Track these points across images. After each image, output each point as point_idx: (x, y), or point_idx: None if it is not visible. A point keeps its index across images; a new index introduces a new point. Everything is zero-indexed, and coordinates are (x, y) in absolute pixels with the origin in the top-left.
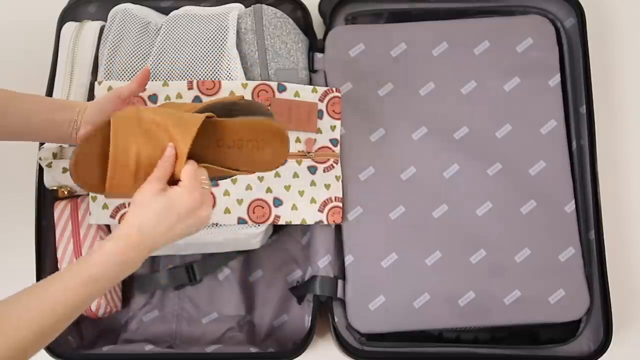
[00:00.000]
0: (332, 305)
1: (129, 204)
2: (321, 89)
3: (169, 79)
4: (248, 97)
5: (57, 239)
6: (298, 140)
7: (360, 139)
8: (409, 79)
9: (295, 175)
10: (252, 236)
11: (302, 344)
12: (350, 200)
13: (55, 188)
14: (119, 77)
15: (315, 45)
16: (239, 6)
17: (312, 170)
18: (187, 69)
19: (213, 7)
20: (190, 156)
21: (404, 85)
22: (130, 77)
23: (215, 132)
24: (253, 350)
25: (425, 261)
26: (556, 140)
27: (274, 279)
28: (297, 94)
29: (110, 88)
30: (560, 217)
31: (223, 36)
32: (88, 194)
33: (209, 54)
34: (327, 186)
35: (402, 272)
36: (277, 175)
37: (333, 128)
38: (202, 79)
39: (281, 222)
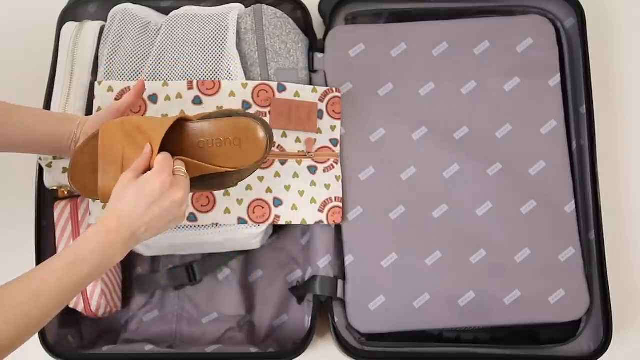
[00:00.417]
0: (332, 305)
1: None
2: (321, 89)
3: (169, 79)
4: (248, 97)
5: (57, 238)
6: (298, 140)
7: (360, 139)
8: (409, 79)
9: (295, 175)
10: (252, 236)
11: (302, 344)
12: (350, 200)
13: (55, 188)
14: (119, 77)
15: (315, 45)
16: (239, 6)
17: (312, 170)
18: (187, 69)
19: (213, 7)
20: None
21: (404, 85)
22: (130, 77)
23: (195, 134)
24: (253, 350)
25: (425, 261)
26: (556, 140)
27: (274, 279)
28: (297, 94)
29: (110, 88)
30: (560, 217)
31: (223, 36)
32: None
33: (209, 54)
34: (327, 186)
35: (402, 272)
36: (277, 175)
37: (333, 128)
38: (202, 79)
39: (281, 222)
